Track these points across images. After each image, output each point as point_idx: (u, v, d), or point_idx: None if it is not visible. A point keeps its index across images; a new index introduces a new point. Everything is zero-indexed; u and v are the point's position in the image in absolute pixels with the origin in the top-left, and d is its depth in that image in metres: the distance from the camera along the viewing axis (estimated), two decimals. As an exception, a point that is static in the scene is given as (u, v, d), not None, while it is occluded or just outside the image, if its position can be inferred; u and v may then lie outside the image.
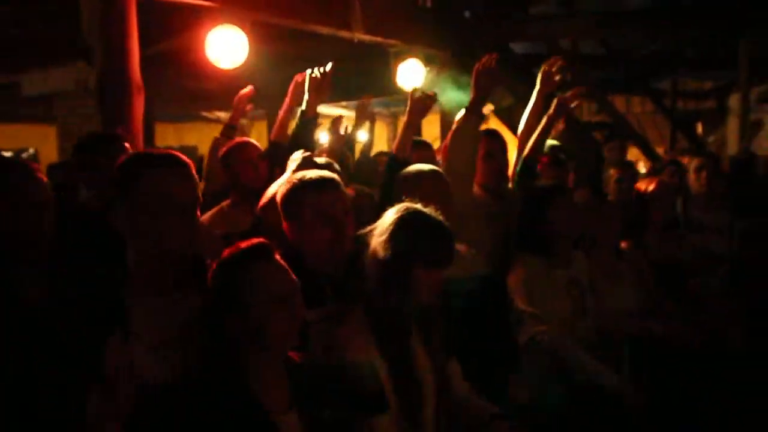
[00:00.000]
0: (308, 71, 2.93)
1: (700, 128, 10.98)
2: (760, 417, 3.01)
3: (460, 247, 2.63)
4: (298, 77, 3.48)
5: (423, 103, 3.11)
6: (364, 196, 2.98)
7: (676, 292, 3.43)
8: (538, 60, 7.57)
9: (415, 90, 3.28)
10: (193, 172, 1.85)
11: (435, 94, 3.15)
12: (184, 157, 1.85)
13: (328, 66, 2.93)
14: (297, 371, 1.77)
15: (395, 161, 2.91)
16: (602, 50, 7.98)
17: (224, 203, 3.21)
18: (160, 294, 1.79)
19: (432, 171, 2.58)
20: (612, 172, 3.91)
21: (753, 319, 3.55)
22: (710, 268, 3.71)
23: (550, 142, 3.71)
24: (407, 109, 3.10)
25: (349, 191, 2.94)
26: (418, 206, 1.96)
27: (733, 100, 9.96)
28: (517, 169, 3.43)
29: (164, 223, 1.75)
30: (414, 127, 3.21)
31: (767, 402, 3.04)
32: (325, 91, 2.92)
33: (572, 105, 3.50)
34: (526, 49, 7.36)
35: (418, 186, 2.46)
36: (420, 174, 2.55)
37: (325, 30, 4.62)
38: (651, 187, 3.50)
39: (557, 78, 3.39)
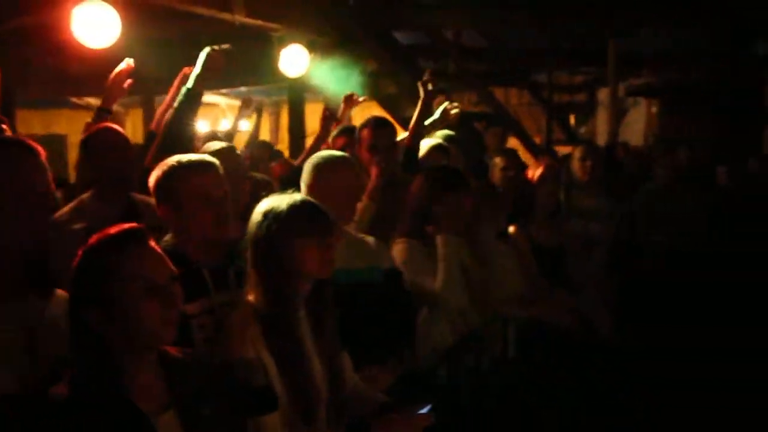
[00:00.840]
0: (207, 48, 2.82)
1: (572, 120, 11.54)
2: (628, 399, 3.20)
3: (368, 239, 2.63)
4: (186, 70, 3.32)
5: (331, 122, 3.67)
6: (264, 183, 2.90)
7: (558, 277, 3.55)
8: (423, 50, 7.69)
9: (325, 109, 3.60)
10: (43, 159, 1.69)
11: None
12: (32, 143, 1.69)
13: (225, 46, 2.83)
14: (177, 368, 1.64)
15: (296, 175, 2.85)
16: (484, 42, 8.16)
17: (84, 195, 2.92)
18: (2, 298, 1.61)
19: (344, 158, 2.56)
20: (497, 160, 3.99)
21: (625, 301, 3.76)
22: (589, 253, 3.87)
23: (443, 132, 3.83)
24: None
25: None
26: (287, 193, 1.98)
27: (602, 94, 10.55)
28: (400, 158, 3.47)
29: (6, 217, 1.59)
30: (324, 141, 3.66)
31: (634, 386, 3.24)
32: (217, 70, 2.83)
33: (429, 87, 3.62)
34: (411, 39, 7.41)
35: (333, 172, 2.45)
36: (334, 161, 2.51)
37: (204, 11, 4.41)
38: (538, 173, 3.60)
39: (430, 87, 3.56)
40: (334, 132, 3.88)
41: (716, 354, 3.91)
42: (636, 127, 9.61)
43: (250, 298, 1.92)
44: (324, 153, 2.59)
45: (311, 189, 2.44)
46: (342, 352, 2.09)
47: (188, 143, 2.78)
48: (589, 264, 3.94)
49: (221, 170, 2.11)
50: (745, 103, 8.00)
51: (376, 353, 2.33)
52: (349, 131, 3.67)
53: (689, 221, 4.66)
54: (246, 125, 5.15)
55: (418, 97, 3.64)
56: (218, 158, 2.24)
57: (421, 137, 3.59)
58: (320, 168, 2.48)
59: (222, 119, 9.59)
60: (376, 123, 3.32)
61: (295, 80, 5.22)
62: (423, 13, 6.32)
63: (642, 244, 4.38)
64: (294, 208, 1.90)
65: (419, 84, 3.63)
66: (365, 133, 3.25)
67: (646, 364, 3.43)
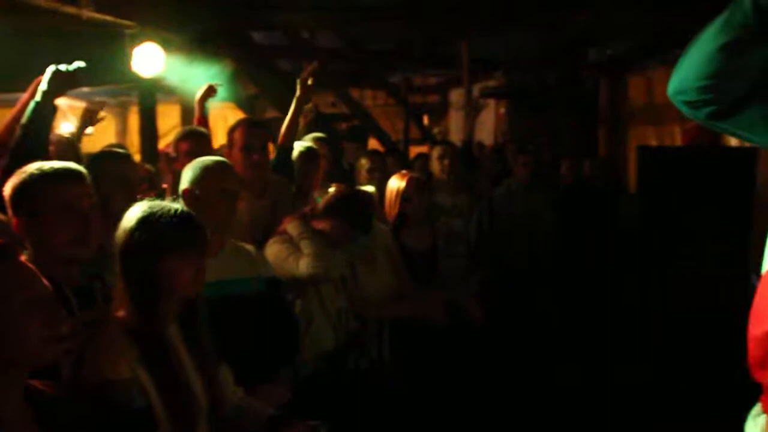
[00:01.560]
0: (53, 66, 2.56)
1: (426, 120, 11.91)
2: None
3: (248, 247, 2.55)
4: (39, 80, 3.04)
5: None
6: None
7: (426, 275, 3.63)
8: (280, 51, 7.60)
9: None
10: None
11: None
12: None
13: (75, 65, 2.59)
14: (46, 402, 1.49)
15: None
16: (341, 43, 8.20)
17: None
18: None
19: (225, 162, 2.47)
20: (363, 161, 4.01)
21: (491, 292, 3.94)
22: (455, 249, 4.00)
23: (313, 134, 3.82)
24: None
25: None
26: (159, 201, 1.87)
27: (454, 95, 10.98)
28: (274, 157, 3.44)
29: None
30: None
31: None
32: (69, 87, 2.59)
33: (310, 82, 3.58)
34: (268, 39, 7.30)
35: (214, 177, 2.35)
36: (215, 165, 2.41)
37: (46, 3, 4.04)
38: (402, 184, 3.59)
39: (310, 83, 3.51)
40: (176, 135, 3.66)
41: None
42: (486, 127, 10.08)
43: (120, 314, 1.80)
44: (204, 158, 2.47)
45: (191, 195, 2.34)
46: (221, 366, 2.01)
47: (43, 156, 2.55)
48: (454, 260, 4.06)
49: (87, 179, 1.95)
50: (584, 106, 8.64)
51: (264, 365, 2.27)
52: (193, 134, 3.48)
53: (540, 219, 4.98)
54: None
55: (277, 98, 3.60)
56: (114, 165, 2.05)
57: (295, 136, 3.55)
58: (201, 173, 2.37)
59: (63, 122, 8.92)
60: (248, 123, 3.24)
61: (146, 80, 4.94)
62: (281, 13, 6.24)
63: (502, 240, 4.62)
64: (167, 220, 1.78)
65: (298, 81, 3.56)
66: (238, 134, 3.15)
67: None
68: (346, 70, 8.82)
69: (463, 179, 4.69)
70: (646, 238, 4.65)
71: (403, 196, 3.56)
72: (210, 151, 3.25)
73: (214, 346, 1.97)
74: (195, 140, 3.35)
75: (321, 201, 2.97)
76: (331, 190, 3.06)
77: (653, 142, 8.76)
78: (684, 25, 6.27)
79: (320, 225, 2.85)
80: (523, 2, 5.76)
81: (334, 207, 2.91)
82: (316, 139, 3.87)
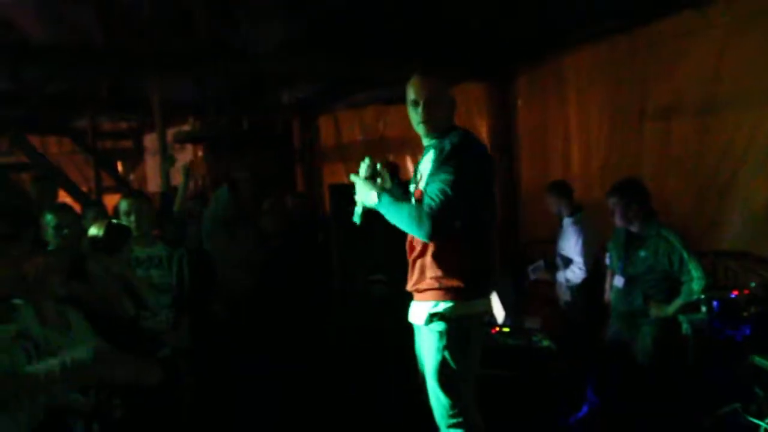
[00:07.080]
0: None
1: (120, 166, 11.28)
2: None
3: None
4: None
5: None
6: None
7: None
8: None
9: None
10: None
11: None
12: None
13: None
14: None
15: None
16: (11, 86, 7.40)
17: None
18: None
19: None
20: (50, 218, 3.64)
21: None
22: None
23: None
24: None
25: None
26: None
27: (149, 140, 10.58)
28: None
29: None
30: None
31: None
32: None
33: None
34: None
35: None
36: None
37: None
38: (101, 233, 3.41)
39: None
40: None
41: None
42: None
43: None
44: None
45: None
46: None
47: None
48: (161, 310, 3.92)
49: None
50: (278, 145, 8.96)
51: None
52: None
53: (247, 257, 5.09)
54: None
55: None
56: None
57: None
58: None
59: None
60: None
61: None
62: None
63: (213, 282, 4.62)
64: None
65: None
66: None
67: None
68: (19, 115, 7.95)
69: (157, 228, 4.54)
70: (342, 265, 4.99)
71: None
72: None
73: None
74: None
75: None
76: None
77: (344, 178, 9.45)
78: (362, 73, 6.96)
79: None
80: (207, 50, 5.88)
81: None
82: None
